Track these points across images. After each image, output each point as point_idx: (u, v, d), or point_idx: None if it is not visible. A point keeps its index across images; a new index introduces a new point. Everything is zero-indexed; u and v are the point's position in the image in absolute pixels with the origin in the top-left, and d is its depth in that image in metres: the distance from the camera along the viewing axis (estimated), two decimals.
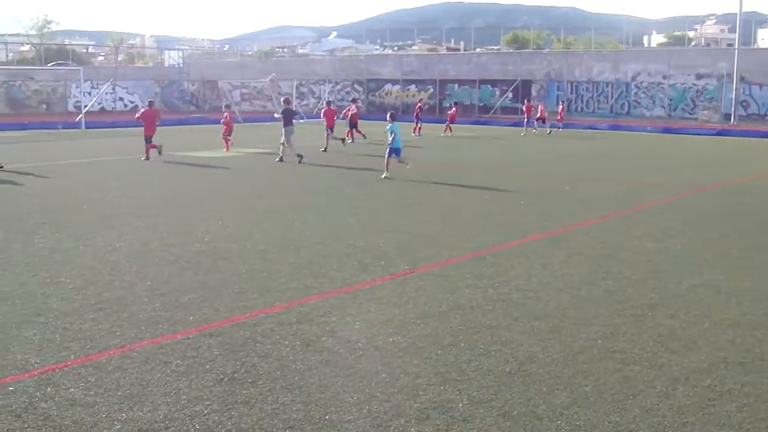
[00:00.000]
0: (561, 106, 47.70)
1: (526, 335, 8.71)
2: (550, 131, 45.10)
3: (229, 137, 32.62)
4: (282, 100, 32.01)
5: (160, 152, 28.25)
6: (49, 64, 64.94)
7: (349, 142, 35.05)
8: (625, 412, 6.73)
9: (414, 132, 41.39)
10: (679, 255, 13.04)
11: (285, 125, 28.36)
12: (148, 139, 28.37)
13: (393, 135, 23.26)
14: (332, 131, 33.13)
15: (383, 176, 22.97)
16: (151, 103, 30.49)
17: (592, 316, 9.49)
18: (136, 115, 29.82)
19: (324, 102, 37.41)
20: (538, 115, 45.47)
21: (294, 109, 30.48)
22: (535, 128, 44.74)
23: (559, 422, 6.54)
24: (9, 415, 6.63)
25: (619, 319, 9.35)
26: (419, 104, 44.40)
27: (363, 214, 16.92)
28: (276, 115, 30.34)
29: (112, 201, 18.54)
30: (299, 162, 27.13)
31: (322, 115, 33.88)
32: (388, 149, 23.41)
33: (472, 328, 8.93)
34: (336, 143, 33.09)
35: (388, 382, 7.35)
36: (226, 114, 33.53)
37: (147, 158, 28.21)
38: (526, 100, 48.76)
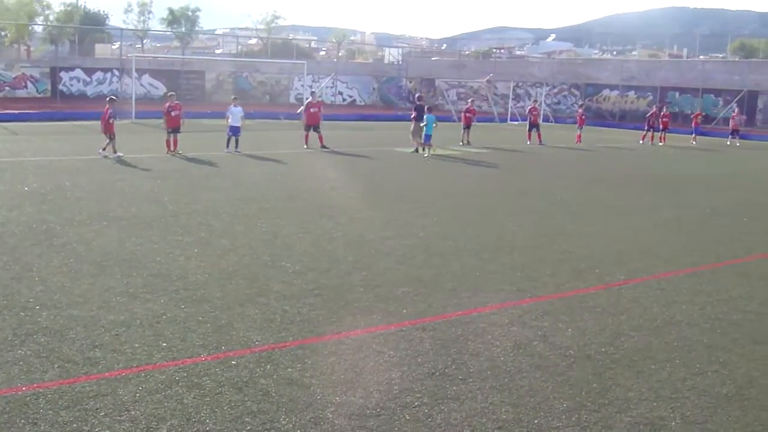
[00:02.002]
0: (697, 113, 46.04)
1: (745, 358, 8.36)
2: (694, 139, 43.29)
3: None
4: (416, 96, 34.61)
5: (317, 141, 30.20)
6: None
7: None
8: None
9: (642, 140, 40.74)
10: None
11: (417, 120, 30.00)
12: (314, 128, 30.15)
13: (426, 123, 29.01)
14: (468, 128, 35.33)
15: (420, 153, 29.32)
16: (313, 94, 32.84)
17: None
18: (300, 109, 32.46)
19: (469, 100, 38.81)
20: (732, 126, 43.91)
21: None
22: (729, 140, 43.12)
23: None
24: (231, 387, 7.02)
25: None
26: (653, 112, 42.99)
27: (577, 219, 16.70)
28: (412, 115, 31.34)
29: (329, 191, 19.17)
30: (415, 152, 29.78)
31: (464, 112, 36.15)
32: (423, 135, 29.19)
33: (688, 346, 8.66)
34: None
35: (598, 392, 7.25)
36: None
37: (323, 146, 29.93)
38: (580, 108, 45.98)
